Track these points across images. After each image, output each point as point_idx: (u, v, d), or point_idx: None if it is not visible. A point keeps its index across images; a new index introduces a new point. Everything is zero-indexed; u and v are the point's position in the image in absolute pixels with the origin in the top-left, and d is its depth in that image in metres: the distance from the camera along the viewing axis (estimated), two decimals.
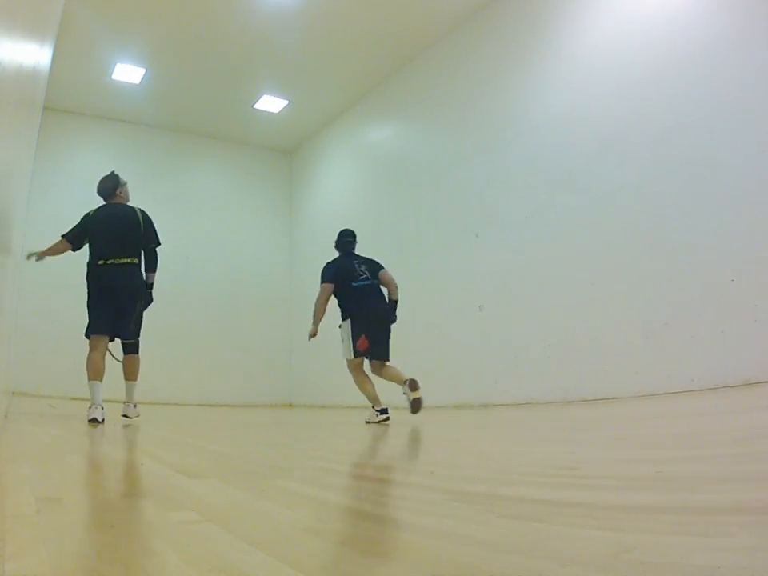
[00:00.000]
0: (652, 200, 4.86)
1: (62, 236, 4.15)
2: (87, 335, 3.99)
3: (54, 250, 4.13)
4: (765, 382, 3.87)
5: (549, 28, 6.05)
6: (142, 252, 4.18)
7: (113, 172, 4.32)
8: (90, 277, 3.96)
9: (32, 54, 2.59)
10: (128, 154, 9.45)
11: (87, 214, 4.11)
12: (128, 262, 3.99)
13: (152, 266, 4.19)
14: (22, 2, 1.67)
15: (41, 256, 4.18)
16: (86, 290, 3.98)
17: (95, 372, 3.94)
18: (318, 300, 4.57)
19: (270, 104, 9.22)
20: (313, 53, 7.83)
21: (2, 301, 2.66)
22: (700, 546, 0.81)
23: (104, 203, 4.18)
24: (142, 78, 8.24)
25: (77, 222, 4.12)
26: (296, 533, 1.05)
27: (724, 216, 4.34)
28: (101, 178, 4.28)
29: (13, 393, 6.61)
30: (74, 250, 4.15)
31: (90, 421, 3.76)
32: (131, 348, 4.23)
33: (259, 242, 10.43)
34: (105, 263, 3.93)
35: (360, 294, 4.49)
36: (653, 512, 1.05)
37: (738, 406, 3.44)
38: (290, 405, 9.86)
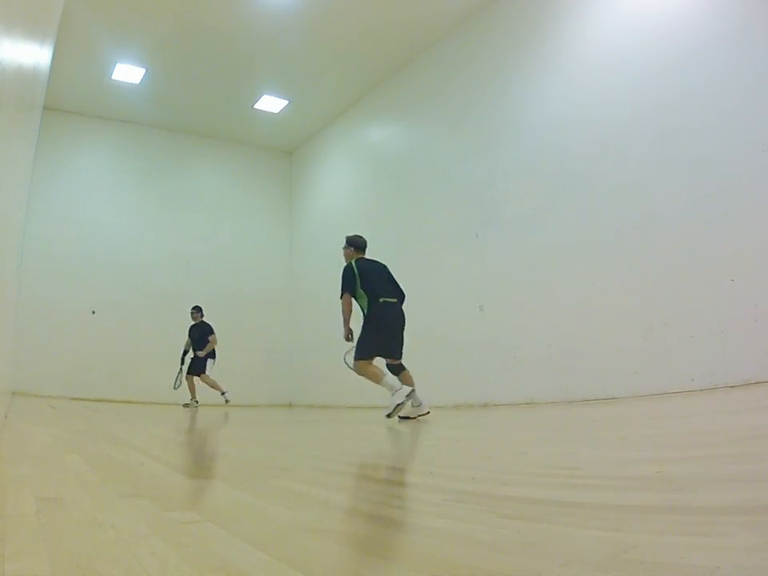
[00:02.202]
0: (652, 200, 4.86)
1: (344, 293, 4.83)
2: (363, 357, 4.64)
3: (349, 310, 4.81)
4: (765, 381, 3.87)
5: (549, 28, 6.05)
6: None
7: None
8: (374, 313, 4.69)
9: (32, 54, 2.58)
10: (128, 154, 9.46)
11: (351, 266, 4.83)
12: (395, 302, 4.78)
13: (402, 300, 4.93)
14: (22, 1, 1.67)
15: (349, 332, 4.86)
16: (367, 323, 4.71)
17: (377, 377, 4.59)
18: None
19: (270, 104, 9.22)
20: (313, 53, 7.83)
21: (2, 301, 2.66)
22: (700, 545, 0.81)
23: (361, 256, 5.00)
24: (142, 78, 8.24)
25: (343, 279, 4.86)
26: (296, 533, 1.05)
27: (724, 216, 4.34)
28: (357, 234, 5.18)
29: (13, 393, 6.61)
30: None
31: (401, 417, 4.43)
32: (402, 366, 4.78)
33: (259, 242, 10.44)
34: (385, 301, 4.71)
35: None
36: (653, 512, 1.05)
37: (738, 405, 3.44)
38: (290, 405, 9.87)
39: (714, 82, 4.53)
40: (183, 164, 10.04)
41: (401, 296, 4.88)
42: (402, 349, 4.77)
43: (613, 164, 5.21)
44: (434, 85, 7.57)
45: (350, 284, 4.80)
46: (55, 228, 8.53)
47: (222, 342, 9.71)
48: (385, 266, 5.02)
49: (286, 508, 1.31)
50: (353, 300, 4.77)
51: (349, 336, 4.82)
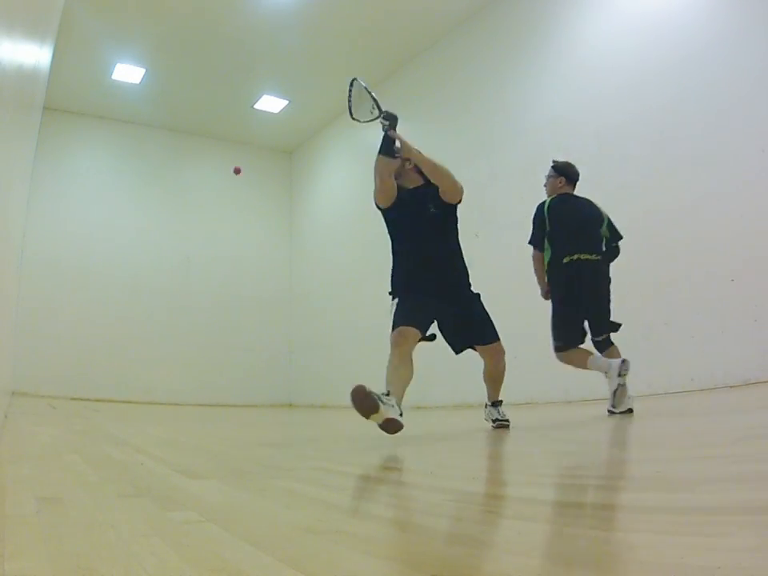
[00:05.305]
0: (652, 200, 4.86)
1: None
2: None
3: (540, 268, 3.80)
4: (765, 381, 3.87)
5: (549, 28, 6.05)
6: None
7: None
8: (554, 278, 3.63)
9: (32, 54, 2.59)
10: (128, 154, 9.46)
11: (541, 207, 3.75)
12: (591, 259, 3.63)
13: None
14: (22, 1, 1.67)
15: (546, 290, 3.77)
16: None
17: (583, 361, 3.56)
18: None
19: (270, 104, 9.21)
20: (313, 53, 7.82)
21: (3, 301, 2.66)
22: (700, 545, 0.81)
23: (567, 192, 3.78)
24: (142, 78, 8.24)
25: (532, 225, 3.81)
26: (296, 533, 1.05)
27: (724, 216, 4.34)
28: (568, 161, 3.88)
29: (13, 393, 6.61)
30: None
31: None
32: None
33: (259, 242, 10.44)
34: (572, 260, 3.57)
35: None
36: (653, 512, 1.05)
37: (738, 406, 3.44)
38: (290, 405, 9.86)
39: (713, 81, 4.53)
40: (183, 164, 10.04)
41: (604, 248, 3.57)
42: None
43: (613, 164, 5.21)
44: (434, 84, 7.57)
45: (535, 232, 3.70)
46: (55, 228, 8.52)
47: (220, 341, 9.72)
48: (597, 208, 3.70)
49: (286, 508, 1.31)
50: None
51: (547, 295, 3.70)
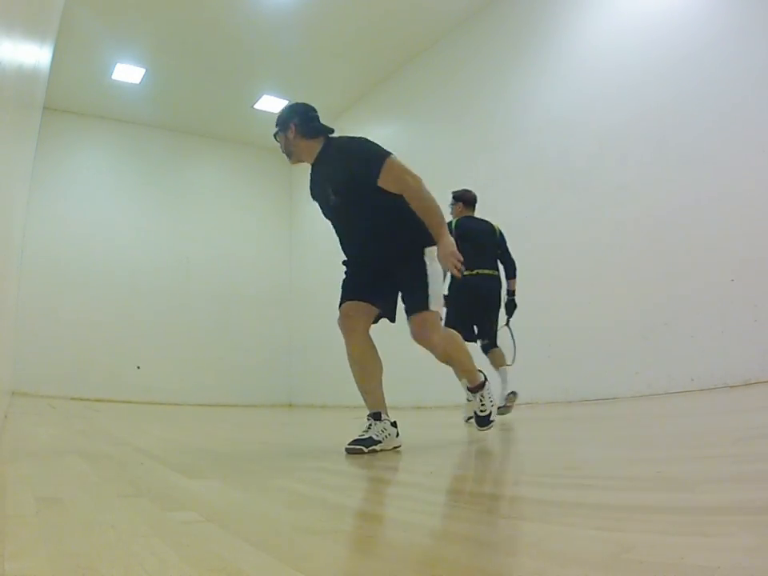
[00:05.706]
0: (652, 200, 4.86)
1: None
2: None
3: None
4: (765, 382, 3.87)
5: (549, 28, 6.05)
6: None
7: None
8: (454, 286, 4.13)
9: (32, 54, 2.59)
10: (128, 154, 9.46)
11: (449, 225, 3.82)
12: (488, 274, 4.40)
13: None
14: (22, 1, 1.67)
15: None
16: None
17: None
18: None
19: (270, 104, 9.21)
20: (313, 53, 7.83)
21: (3, 301, 2.66)
22: (700, 545, 0.81)
23: (468, 215, 4.37)
24: (142, 78, 8.24)
25: None
26: (296, 533, 1.05)
27: (724, 216, 4.34)
28: (465, 189, 4.49)
29: (13, 393, 6.61)
30: None
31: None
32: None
33: (259, 242, 10.44)
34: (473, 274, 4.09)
35: None
36: (653, 512, 1.05)
37: (738, 405, 3.44)
38: (290, 405, 9.86)
39: (713, 82, 4.53)
40: (183, 164, 10.04)
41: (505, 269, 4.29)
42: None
43: (613, 164, 5.21)
44: (435, 84, 7.57)
45: None
46: (55, 228, 8.52)
47: (220, 341, 9.71)
48: (494, 229, 4.35)
49: (286, 508, 1.31)
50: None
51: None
